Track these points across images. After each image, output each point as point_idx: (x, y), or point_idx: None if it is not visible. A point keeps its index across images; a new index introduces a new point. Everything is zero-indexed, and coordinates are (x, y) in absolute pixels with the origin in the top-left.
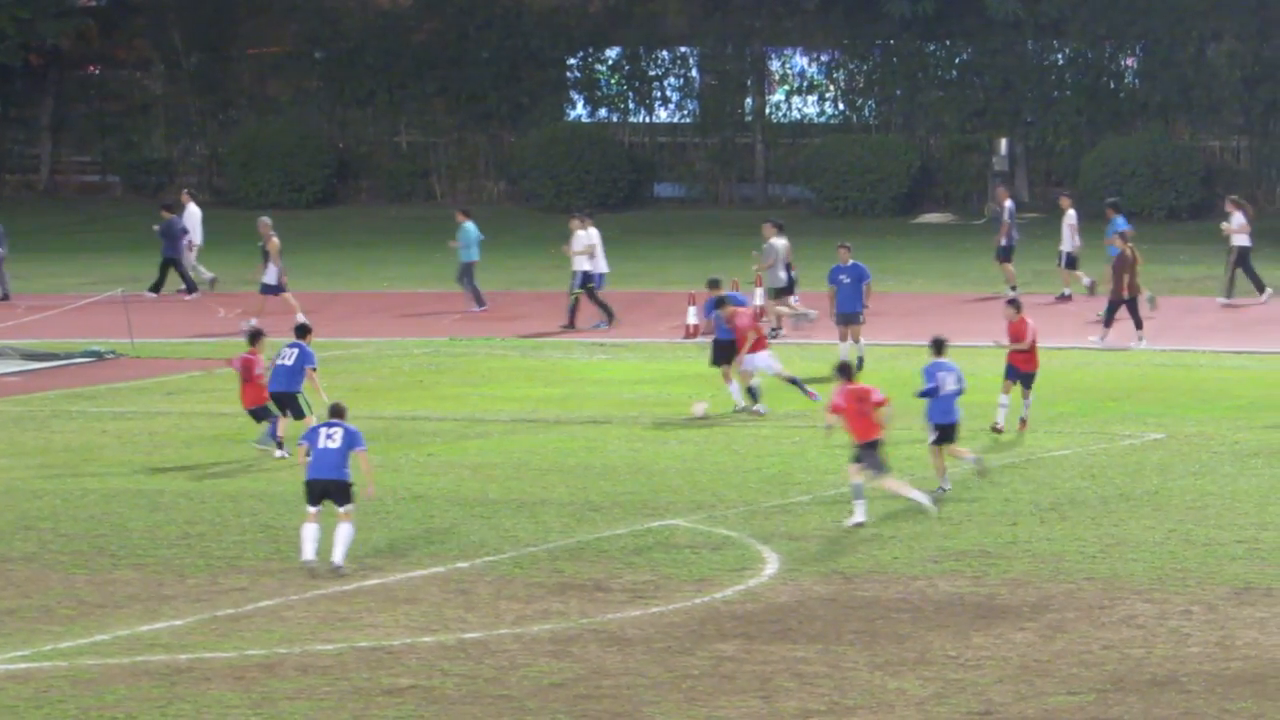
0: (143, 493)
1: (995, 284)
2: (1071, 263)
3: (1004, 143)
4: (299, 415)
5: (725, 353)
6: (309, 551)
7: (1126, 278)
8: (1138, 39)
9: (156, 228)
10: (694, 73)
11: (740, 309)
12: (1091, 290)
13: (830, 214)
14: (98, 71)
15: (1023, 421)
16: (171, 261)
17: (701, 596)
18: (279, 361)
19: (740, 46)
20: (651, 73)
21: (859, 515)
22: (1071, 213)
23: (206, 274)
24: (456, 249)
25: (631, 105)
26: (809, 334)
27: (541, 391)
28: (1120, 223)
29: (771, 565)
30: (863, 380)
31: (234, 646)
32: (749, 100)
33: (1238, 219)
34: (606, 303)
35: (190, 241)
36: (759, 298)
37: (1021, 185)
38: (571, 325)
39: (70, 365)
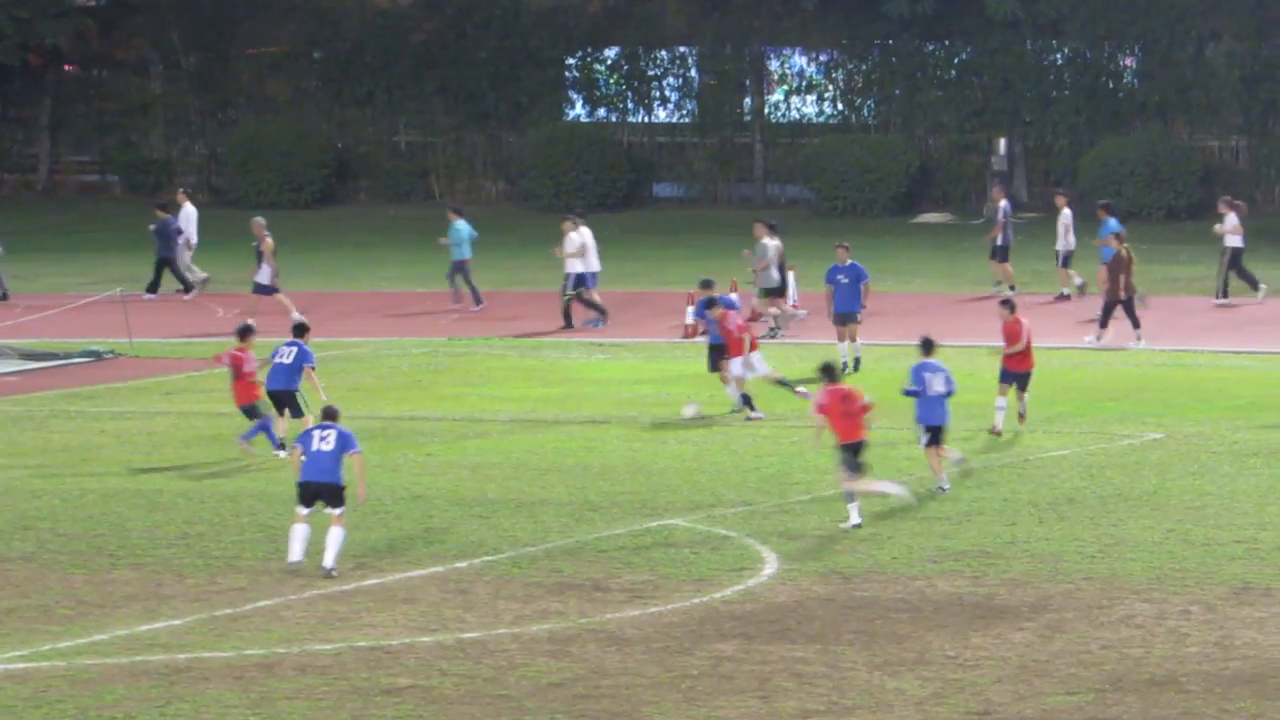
0: (141, 492)
1: (989, 284)
2: (1066, 262)
3: (1003, 142)
4: (297, 414)
5: (721, 357)
6: (297, 553)
7: (1122, 278)
8: (1136, 39)
9: (152, 227)
10: (693, 72)
11: (729, 311)
12: (1081, 291)
13: (829, 214)
14: (98, 72)
15: (1021, 416)
16: (165, 261)
17: (700, 596)
18: (277, 360)
19: (739, 46)
20: (650, 72)
21: (854, 518)
22: (1066, 212)
23: (200, 274)
24: (447, 246)
25: (630, 105)
26: (800, 334)
27: (540, 391)
28: (1112, 224)
29: (770, 565)
30: (861, 381)
31: (232, 646)
32: (748, 100)
33: (1231, 220)
34: (598, 302)
35: (186, 240)
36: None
37: (1020, 185)
38: (568, 325)
39: (69, 365)
